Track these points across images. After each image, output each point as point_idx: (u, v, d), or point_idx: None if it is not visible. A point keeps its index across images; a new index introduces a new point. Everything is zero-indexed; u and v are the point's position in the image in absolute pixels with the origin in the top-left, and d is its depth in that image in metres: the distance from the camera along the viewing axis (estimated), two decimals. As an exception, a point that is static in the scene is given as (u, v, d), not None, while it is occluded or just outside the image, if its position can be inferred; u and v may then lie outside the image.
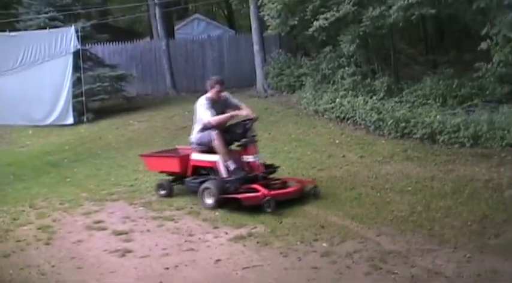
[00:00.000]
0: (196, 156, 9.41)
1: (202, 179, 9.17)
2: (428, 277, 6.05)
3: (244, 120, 9.33)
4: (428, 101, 14.15)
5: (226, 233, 7.62)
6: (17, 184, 11.36)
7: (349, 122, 14.08)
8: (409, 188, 9.22)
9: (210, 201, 8.77)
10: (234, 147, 9.43)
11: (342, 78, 16.36)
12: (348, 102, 14.54)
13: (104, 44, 22.32)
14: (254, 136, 9.24)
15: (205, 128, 9.24)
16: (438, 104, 13.88)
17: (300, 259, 6.66)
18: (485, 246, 6.79)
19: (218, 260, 6.74)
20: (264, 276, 6.28)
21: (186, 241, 7.43)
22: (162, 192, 9.64)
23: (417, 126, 12.37)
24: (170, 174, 9.92)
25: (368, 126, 13.30)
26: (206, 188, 8.88)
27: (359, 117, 13.71)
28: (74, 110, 17.71)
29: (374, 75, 16.23)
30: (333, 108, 14.86)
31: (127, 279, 6.35)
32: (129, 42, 24.47)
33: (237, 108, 9.51)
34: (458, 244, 6.86)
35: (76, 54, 17.81)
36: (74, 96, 17.85)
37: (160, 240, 7.49)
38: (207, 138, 9.14)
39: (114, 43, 23.57)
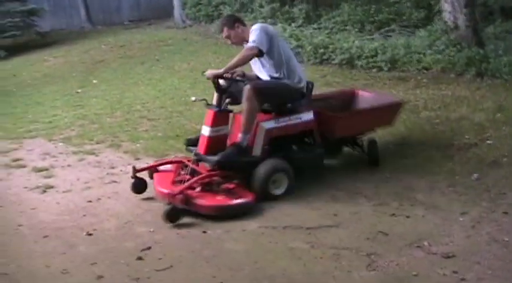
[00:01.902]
0: None
1: None
2: (349, 198, 6.21)
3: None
4: (347, 27, 14.32)
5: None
6: None
7: (268, 49, 14.03)
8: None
9: None
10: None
11: (260, 6, 16.33)
12: (267, 29, 14.48)
13: (12, -23, 21.32)
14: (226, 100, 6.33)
15: None
16: (356, 30, 14.07)
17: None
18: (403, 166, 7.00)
19: (141, 190, 6.70)
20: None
21: (107, 174, 7.33)
22: None
23: (336, 51, 12.47)
24: None
25: (287, 53, 13.31)
26: None
27: (278, 45, 13.68)
28: (-16, 48, 17.03)
29: (292, 2, 16.24)
30: (252, 36, 14.76)
31: (49, 214, 6.21)
32: (39, -26, 23.44)
33: None
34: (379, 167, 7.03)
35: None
36: (-16, 34, 17.17)
37: (81, 174, 7.35)
38: None
39: (23, -24, 22.54)
